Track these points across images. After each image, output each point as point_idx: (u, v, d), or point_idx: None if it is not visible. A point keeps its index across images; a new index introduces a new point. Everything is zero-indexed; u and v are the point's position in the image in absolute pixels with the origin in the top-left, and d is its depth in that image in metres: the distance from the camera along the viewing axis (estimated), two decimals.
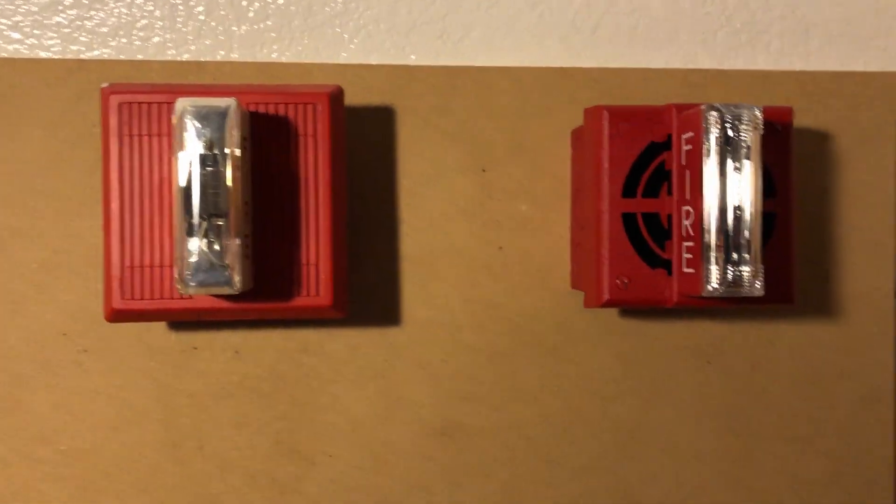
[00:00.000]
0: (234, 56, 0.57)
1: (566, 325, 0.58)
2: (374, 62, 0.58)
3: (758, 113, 0.45)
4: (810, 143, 0.60)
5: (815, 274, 0.60)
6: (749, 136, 0.45)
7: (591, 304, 0.52)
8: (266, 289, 0.49)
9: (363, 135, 0.57)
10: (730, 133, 0.45)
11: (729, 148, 0.45)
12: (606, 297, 0.51)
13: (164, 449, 0.56)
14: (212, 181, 0.43)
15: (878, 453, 0.61)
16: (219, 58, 0.57)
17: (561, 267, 0.58)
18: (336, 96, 0.50)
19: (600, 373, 0.59)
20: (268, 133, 0.49)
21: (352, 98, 0.56)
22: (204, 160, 0.43)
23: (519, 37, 0.59)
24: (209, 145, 0.43)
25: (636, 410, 0.59)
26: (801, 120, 0.60)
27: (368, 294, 0.57)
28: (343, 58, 0.57)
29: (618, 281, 0.50)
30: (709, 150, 0.46)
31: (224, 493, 0.56)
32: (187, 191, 0.43)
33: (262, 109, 0.49)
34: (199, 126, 0.43)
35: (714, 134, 0.46)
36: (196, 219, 0.43)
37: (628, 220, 0.50)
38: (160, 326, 0.56)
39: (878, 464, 0.61)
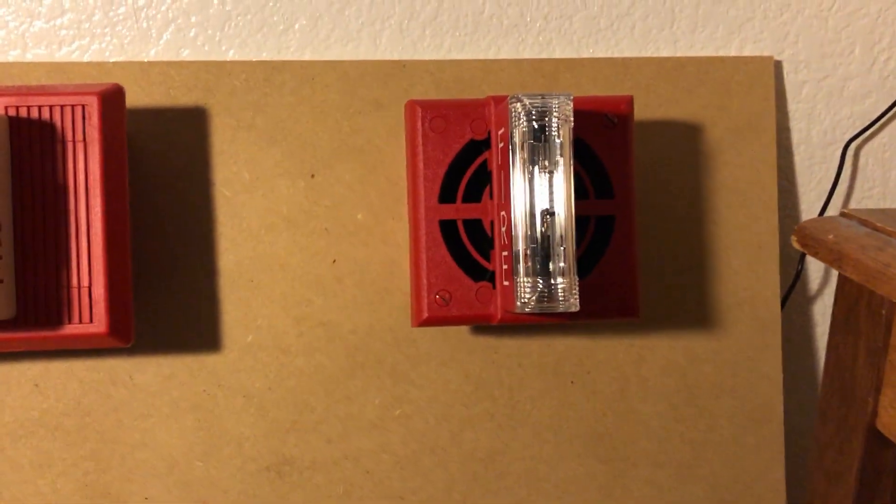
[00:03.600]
0: (29, 56, 0.51)
1: (408, 344, 0.52)
2: (186, 58, 0.52)
3: (568, 102, 0.40)
4: (679, 136, 0.54)
5: (689, 281, 0.54)
6: (559, 129, 0.40)
7: (415, 322, 0.46)
8: (33, 316, 0.43)
9: (171, 139, 0.51)
10: (536, 126, 0.39)
11: (538, 144, 0.40)
12: (425, 314, 0.45)
13: None
14: None
15: (768, 478, 0.55)
16: (11, 58, 0.51)
17: (400, 279, 0.52)
18: (110, 96, 0.44)
19: (449, 396, 0.53)
20: (32, 140, 0.43)
21: (158, 98, 0.50)
22: None
23: (348, 27, 0.53)
24: None
25: (491, 436, 0.53)
26: (667, 111, 0.54)
27: (183, 317, 0.51)
28: (152, 55, 0.52)
29: (437, 297, 0.45)
30: (514, 147, 0.40)
31: None
32: None
33: (24, 114, 0.43)
34: None
35: (520, 128, 0.40)
36: None
37: (447, 228, 0.45)
38: None
39: (767, 490, 0.55)
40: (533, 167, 0.40)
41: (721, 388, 0.55)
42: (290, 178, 0.52)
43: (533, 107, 0.39)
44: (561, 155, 0.39)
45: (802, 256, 0.57)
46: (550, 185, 0.40)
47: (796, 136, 0.58)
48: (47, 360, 0.50)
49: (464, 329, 0.53)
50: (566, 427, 0.54)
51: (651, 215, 0.53)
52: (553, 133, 0.39)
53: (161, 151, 0.50)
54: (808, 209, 0.59)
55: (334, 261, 0.52)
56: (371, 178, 0.52)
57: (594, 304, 0.44)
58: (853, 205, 0.60)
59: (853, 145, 0.58)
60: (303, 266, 0.52)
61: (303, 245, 0.52)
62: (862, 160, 0.59)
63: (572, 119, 0.39)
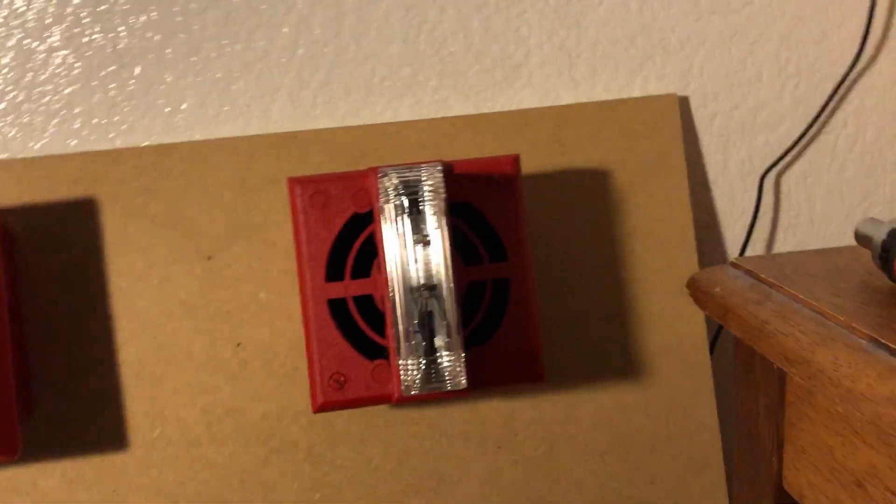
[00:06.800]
0: None
1: (324, 424, 0.50)
2: (71, 150, 0.51)
3: (438, 171, 0.38)
4: (587, 183, 0.53)
5: (611, 331, 0.53)
6: (433, 201, 0.38)
7: (313, 408, 0.44)
8: None
9: (58, 235, 0.49)
10: (405, 201, 0.38)
11: (411, 217, 0.38)
12: (320, 400, 0.43)
13: None
14: None
15: None
16: None
17: None
18: None
19: (370, 474, 0.51)
20: None
21: (43, 193, 0.49)
22: None
23: (236, 102, 0.52)
24: None
25: None
26: (571, 159, 0.53)
27: (85, 417, 0.49)
28: (34, 150, 0.50)
29: (332, 380, 0.43)
30: (387, 221, 0.38)
31: None
32: None
33: None
34: None
35: (391, 202, 0.38)
36: None
37: (337, 307, 0.43)
38: None
39: None
40: (406, 241, 0.38)
41: (656, 438, 0.53)
42: (185, 263, 0.50)
43: (401, 179, 0.38)
44: (437, 227, 0.38)
45: None
46: (426, 259, 0.38)
47: (713, 170, 0.56)
48: None
49: None
50: (496, 495, 0.51)
51: (564, 268, 0.52)
52: (425, 205, 0.38)
53: (49, 248, 0.49)
54: (735, 241, 0.57)
55: (239, 344, 0.50)
56: (271, 255, 0.50)
57: (497, 371, 0.42)
58: (780, 234, 0.58)
59: (773, 172, 0.57)
60: (206, 352, 0.50)
61: (204, 330, 0.50)
62: (784, 188, 0.58)
63: (443, 189, 0.38)
